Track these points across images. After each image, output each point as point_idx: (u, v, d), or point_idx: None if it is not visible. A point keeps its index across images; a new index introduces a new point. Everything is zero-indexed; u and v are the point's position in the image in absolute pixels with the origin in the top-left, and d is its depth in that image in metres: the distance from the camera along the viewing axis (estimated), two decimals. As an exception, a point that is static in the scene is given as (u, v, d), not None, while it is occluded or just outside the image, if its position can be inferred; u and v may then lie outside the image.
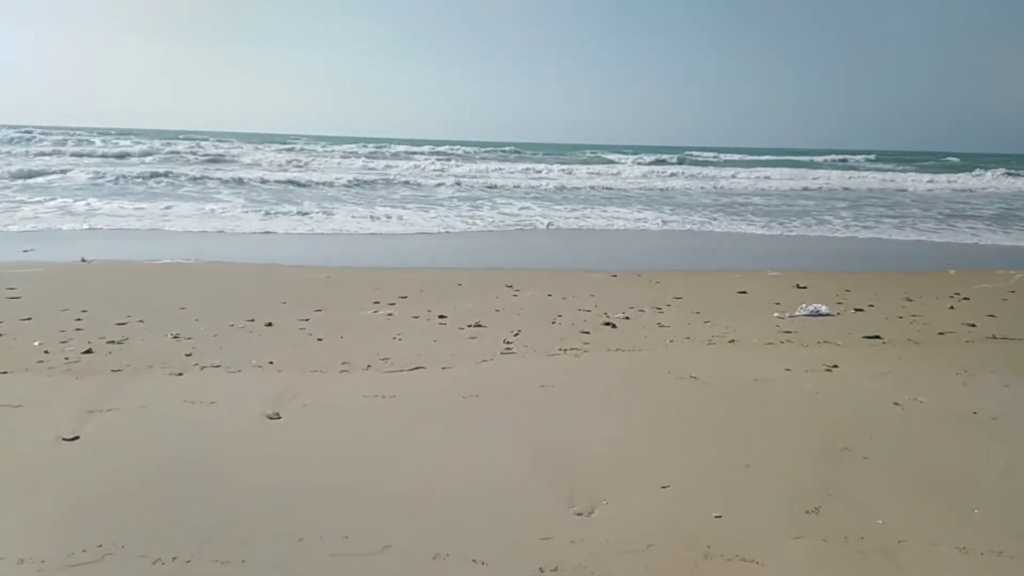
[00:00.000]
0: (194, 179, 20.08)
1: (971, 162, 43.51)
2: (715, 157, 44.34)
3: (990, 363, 5.03)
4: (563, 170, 29.78)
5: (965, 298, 7.57)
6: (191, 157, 28.93)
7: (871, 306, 7.04)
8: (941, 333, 5.98)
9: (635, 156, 41.15)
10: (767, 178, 29.69)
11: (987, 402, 4.13)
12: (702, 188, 25.20)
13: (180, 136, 43.14)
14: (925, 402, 4.11)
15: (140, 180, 19.41)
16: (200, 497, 2.94)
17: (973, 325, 6.26)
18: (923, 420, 3.86)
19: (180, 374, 4.51)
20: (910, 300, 7.39)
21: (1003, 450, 3.47)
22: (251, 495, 2.96)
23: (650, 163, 37.18)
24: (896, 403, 4.09)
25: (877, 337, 5.79)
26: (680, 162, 38.43)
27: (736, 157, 44.15)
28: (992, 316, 6.65)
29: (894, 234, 13.95)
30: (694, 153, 48.00)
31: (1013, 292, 8.09)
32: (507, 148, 45.69)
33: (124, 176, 19.70)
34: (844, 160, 46.52)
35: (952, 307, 7.10)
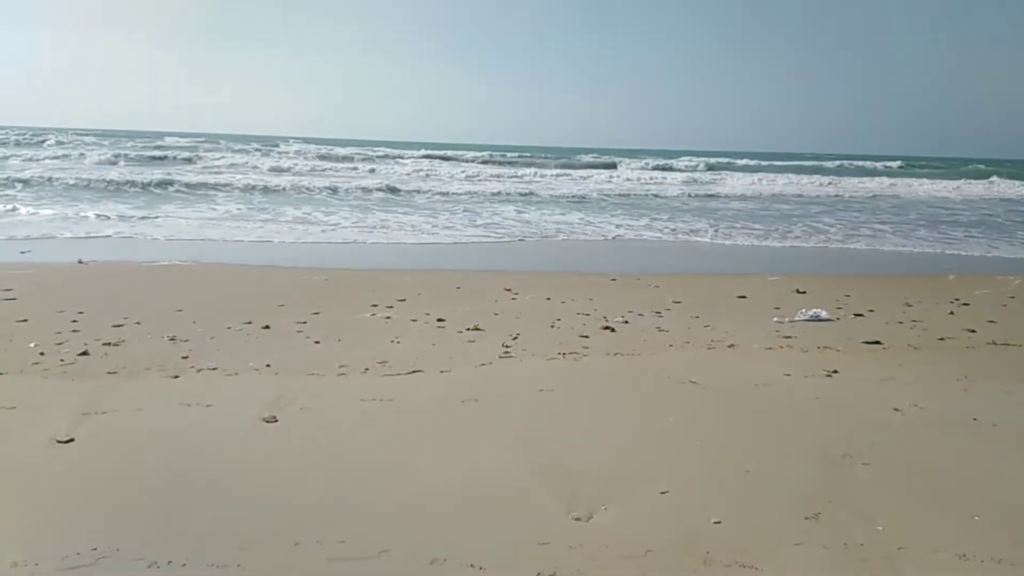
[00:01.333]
0: (194, 184, 19.95)
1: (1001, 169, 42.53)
2: (755, 163, 43.01)
3: (990, 369, 5.01)
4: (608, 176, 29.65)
5: (965, 304, 7.56)
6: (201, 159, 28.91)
7: (871, 311, 7.03)
8: (941, 339, 5.97)
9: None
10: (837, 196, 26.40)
11: (988, 408, 4.12)
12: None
13: (170, 136, 43.09)
14: (925, 408, 4.10)
15: (133, 184, 19.32)
16: (196, 500, 2.92)
17: (973, 331, 6.25)
18: (924, 426, 3.84)
19: (176, 376, 4.49)
20: (910, 305, 7.37)
21: (1004, 457, 3.46)
22: (247, 499, 2.93)
23: (697, 170, 36.31)
24: (896, 409, 4.07)
25: (877, 343, 5.77)
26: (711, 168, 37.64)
27: (755, 162, 43.30)
28: (992, 322, 6.63)
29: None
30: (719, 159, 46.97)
31: (1013, 298, 8.08)
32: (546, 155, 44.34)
33: (114, 180, 19.61)
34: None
35: (952, 312, 7.09)
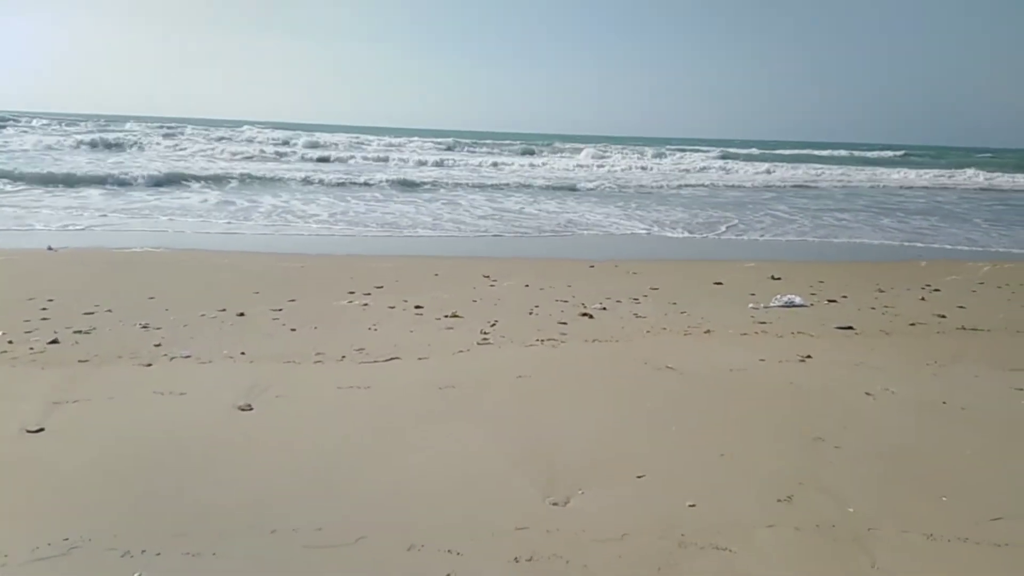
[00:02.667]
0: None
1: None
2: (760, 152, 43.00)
3: (960, 354, 5.11)
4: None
5: (936, 289, 7.70)
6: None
7: (844, 297, 7.13)
8: (912, 324, 6.07)
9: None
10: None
11: (957, 392, 4.20)
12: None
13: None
14: (896, 392, 4.17)
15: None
16: (170, 490, 2.89)
17: (943, 316, 6.36)
18: (894, 410, 3.91)
19: (149, 365, 4.42)
20: (882, 291, 7.49)
21: (971, 439, 3.53)
22: (222, 487, 2.91)
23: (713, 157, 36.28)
24: (868, 393, 4.14)
25: (850, 328, 5.86)
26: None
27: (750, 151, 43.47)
28: (962, 307, 6.76)
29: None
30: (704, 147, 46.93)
31: (982, 284, 8.24)
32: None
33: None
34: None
35: (923, 298, 7.21)
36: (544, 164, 29.97)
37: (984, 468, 3.23)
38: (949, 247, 11.76)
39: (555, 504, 2.85)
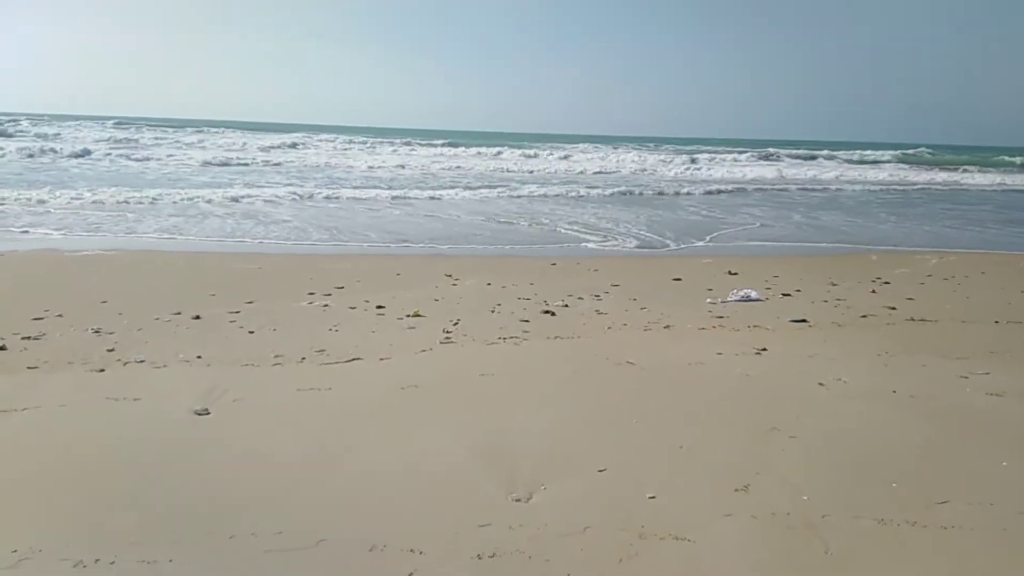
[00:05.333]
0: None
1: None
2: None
3: (909, 344, 5.28)
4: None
5: (886, 282, 7.93)
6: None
7: (798, 291, 7.30)
8: (863, 316, 6.25)
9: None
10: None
11: (906, 381, 4.33)
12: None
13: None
14: (848, 382, 4.29)
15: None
16: (124, 497, 2.82)
17: (893, 308, 6.56)
18: (846, 399, 4.02)
19: (102, 370, 4.31)
20: (835, 285, 7.69)
21: (920, 426, 3.65)
22: (179, 494, 2.85)
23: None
24: (821, 383, 4.25)
25: (804, 321, 6.00)
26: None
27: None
28: (911, 299, 6.98)
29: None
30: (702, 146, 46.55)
31: (930, 276, 8.52)
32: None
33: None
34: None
35: (874, 291, 7.42)
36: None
37: (932, 454, 3.34)
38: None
39: (517, 500, 2.86)
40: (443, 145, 37.31)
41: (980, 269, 9.08)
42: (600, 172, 27.50)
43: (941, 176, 30.70)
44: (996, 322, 6.07)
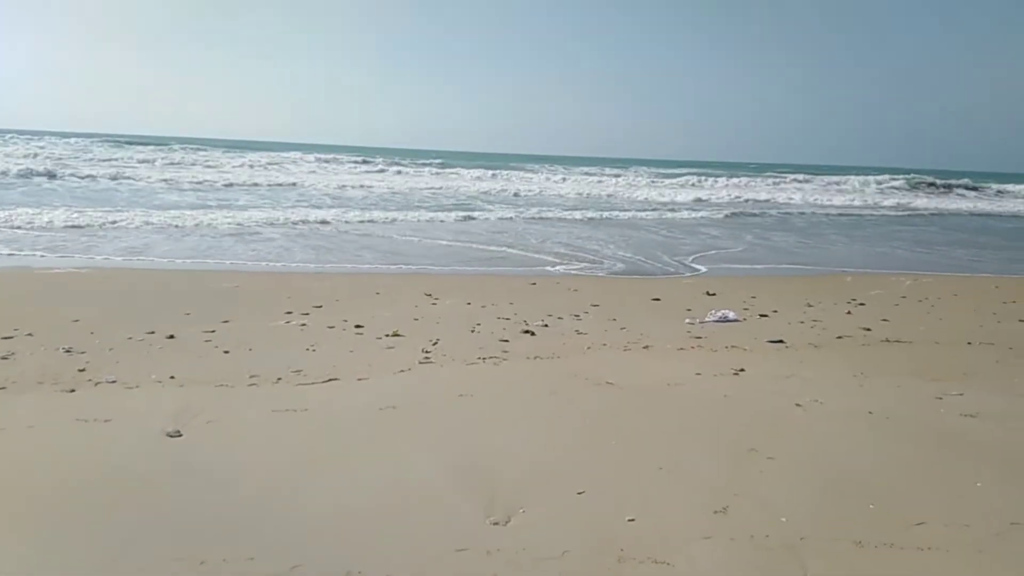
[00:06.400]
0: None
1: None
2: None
3: (884, 365, 5.33)
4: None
5: (861, 303, 8.03)
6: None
7: (775, 312, 7.37)
8: (839, 337, 6.31)
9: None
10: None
11: (881, 402, 4.37)
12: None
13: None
14: (825, 403, 4.31)
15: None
16: (93, 521, 2.74)
17: (868, 329, 6.64)
18: (823, 420, 4.04)
19: (72, 391, 4.22)
20: (811, 306, 7.77)
21: (896, 447, 3.68)
22: (149, 518, 2.78)
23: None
24: (798, 404, 4.27)
25: (780, 341, 6.05)
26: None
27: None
28: (886, 320, 7.07)
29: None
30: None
31: (904, 297, 8.64)
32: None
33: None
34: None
35: (849, 312, 7.51)
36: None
37: (908, 475, 3.36)
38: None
39: (496, 524, 2.83)
40: (438, 165, 37.44)
41: (953, 291, 9.23)
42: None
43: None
44: (969, 343, 6.16)
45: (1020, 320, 7.28)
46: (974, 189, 39.28)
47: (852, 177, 38.57)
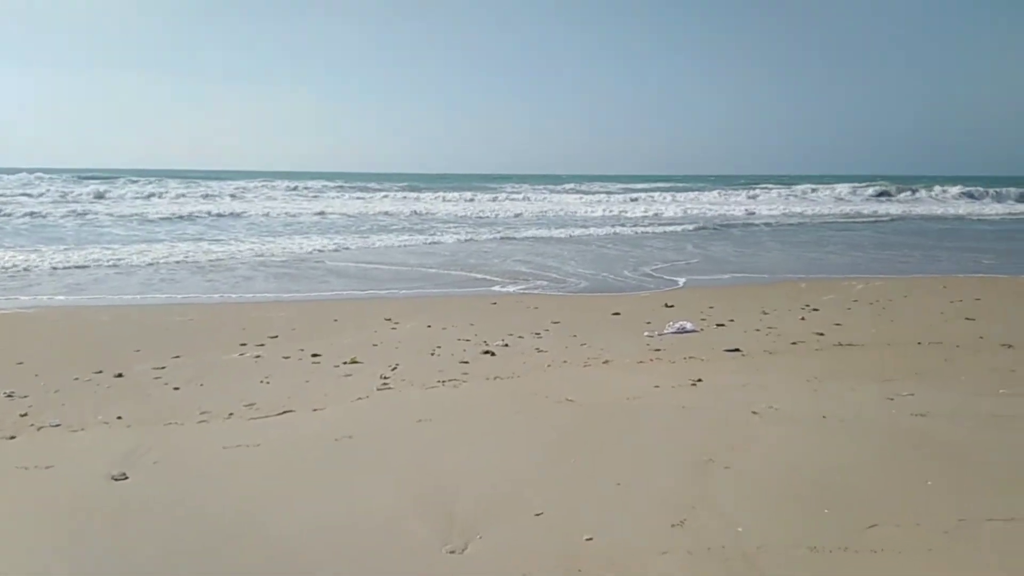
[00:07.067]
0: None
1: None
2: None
3: (837, 369, 5.43)
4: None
5: (814, 309, 8.18)
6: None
7: (732, 321, 7.46)
8: (794, 343, 6.42)
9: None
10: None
11: (835, 406, 4.43)
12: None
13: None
14: (780, 409, 4.37)
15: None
16: (32, 573, 2.63)
17: (822, 334, 6.76)
18: (778, 426, 4.08)
19: (13, 437, 4.06)
20: (766, 313, 7.90)
21: (850, 450, 3.73)
22: (92, 565, 2.67)
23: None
24: (754, 412, 4.32)
25: (737, 350, 6.12)
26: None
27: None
28: (838, 324, 7.21)
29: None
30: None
31: (856, 301, 8.83)
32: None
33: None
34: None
35: (803, 318, 7.65)
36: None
37: (861, 477, 3.41)
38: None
39: (452, 552, 2.78)
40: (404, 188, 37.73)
41: (903, 293, 9.47)
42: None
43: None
44: (919, 343, 6.31)
45: (966, 318, 7.49)
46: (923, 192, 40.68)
47: (821, 186, 40.11)
